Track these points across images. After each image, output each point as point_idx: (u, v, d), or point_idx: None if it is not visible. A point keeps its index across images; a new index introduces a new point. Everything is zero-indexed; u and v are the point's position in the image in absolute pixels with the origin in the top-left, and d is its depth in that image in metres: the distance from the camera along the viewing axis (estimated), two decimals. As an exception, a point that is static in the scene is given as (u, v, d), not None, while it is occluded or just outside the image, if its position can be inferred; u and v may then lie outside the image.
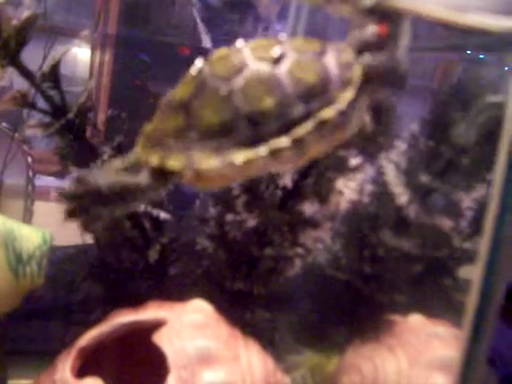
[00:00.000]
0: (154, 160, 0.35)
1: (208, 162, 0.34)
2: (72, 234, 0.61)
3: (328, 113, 0.33)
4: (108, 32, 1.36)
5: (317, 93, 0.33)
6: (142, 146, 0.36)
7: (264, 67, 0.34)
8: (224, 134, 0.34)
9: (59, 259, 0.67)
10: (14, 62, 0.45)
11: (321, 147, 0.35)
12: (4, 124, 0.97)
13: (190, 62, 0.37)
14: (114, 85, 1.43)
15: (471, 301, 0.36)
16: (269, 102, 0.33)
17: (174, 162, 0.34)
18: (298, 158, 0.34)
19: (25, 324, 0.64)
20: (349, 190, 0.43)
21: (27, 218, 0.91)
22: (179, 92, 0.36)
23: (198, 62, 0.36)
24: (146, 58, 1.50)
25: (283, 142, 0.33)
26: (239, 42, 0.36)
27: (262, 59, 0.34)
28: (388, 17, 0.34)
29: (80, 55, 1.53)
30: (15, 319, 0.58)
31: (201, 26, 1.18)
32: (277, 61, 0.34)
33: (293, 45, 0.35)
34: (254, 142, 0.33)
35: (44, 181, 1.12)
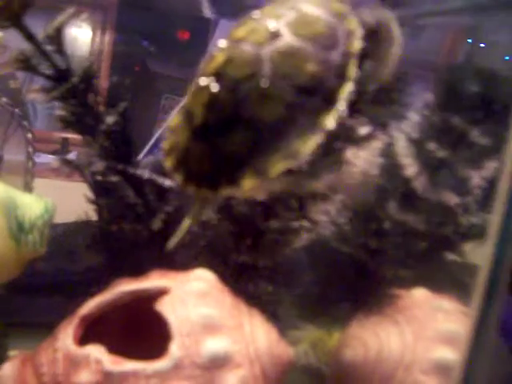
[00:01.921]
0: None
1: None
2: (72, 211, 0.61)
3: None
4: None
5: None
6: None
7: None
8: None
9: (60, 234, 0.66)
10: (17, 23, 0.44)
11: None
12: (4, 99, 0.97)
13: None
14: (113, 66, 1.42)
15: (483, 271, 0.36)
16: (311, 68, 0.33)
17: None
18: None
19: (26, 296, 0.63)
20: (359, 160, 0.42)
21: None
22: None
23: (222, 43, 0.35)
24: (146, 42, 1.50)
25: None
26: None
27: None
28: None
29: (80, 36, 1.53)
30: (17, 291, 0.58)
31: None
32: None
33: None
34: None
35: (44, 158, 1.12)
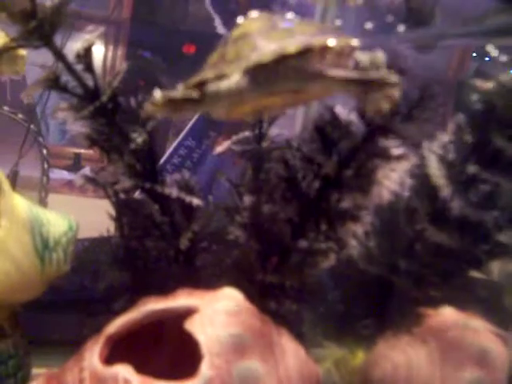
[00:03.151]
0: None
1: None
2: (86, 227, 0.61)
3: None
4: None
5: None
6: None
7: None
8: None
9: (81, 250, 0.66)
10: (49, 43, 0.44)
11: None
12: (20, 116, 0.97)
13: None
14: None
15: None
16: None
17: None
18: None
19: (46, 314, 0.63)
20: (391, 181, 0.42)
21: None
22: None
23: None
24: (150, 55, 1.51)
25: None
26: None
27: None
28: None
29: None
30: (37, 309, 0.58)
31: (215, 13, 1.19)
32: None
33: None
34: None
35: (57, 174, 1.12)
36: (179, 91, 0.37)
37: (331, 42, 0.35)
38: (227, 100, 0.37)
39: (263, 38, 0.36)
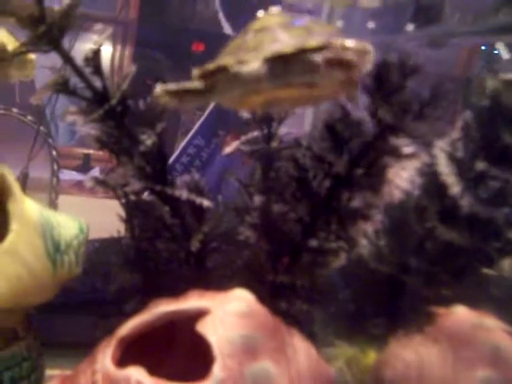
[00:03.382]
0: None
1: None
2: (97, 228, 0.61)
3: None
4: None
5: None
6: None
7: None
8: None
9: (92, 251, 0.66)
10: (58, 47, 0.44)
11: None
12: (29, 117, 0.98)
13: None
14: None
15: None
16: None
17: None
18: None
19: (58, 316, 0.63)
20: (401, 179, 0.42)
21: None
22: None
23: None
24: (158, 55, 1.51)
25: None
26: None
27: None
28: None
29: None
30: (49, 311, 0.58)
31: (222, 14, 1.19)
32: None
33: None
34: None
35: (67, 174, 1.12)
36: (181, 83, 0.39)
37: (350, 42, 0.36)
38: (244, 87, 0.37)
39: (284, 31, 0.37)
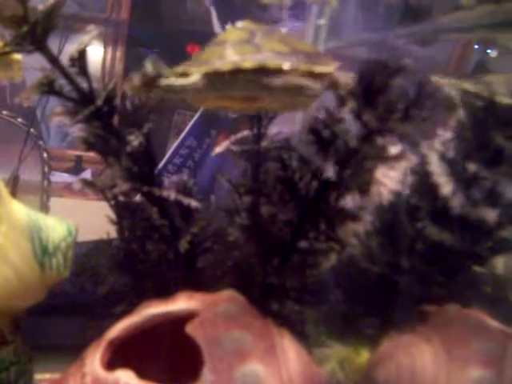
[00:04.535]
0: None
1: None
2: (88, 230, 0.60)
3: None
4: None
5: None
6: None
7: None
8: None
9: (81, 254, 0.66)
10: (42, 47, 0.44)
11: None
12: (20, 120, 0.97)
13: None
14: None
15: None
16: None
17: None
18: None
19: (47, 319, 0.63)
20: (389, 180, 0.41)
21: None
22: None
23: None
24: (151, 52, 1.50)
25: None
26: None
27: None
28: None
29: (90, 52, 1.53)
30: (38, 313, 0.57)
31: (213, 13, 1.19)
32: None
33: None
34: None
35: (58, 177, 1.12)
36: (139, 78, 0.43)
37: (286, 65, 0.40)
38: (183, 94, 0.42)
39: (233, 48, 0.41)
